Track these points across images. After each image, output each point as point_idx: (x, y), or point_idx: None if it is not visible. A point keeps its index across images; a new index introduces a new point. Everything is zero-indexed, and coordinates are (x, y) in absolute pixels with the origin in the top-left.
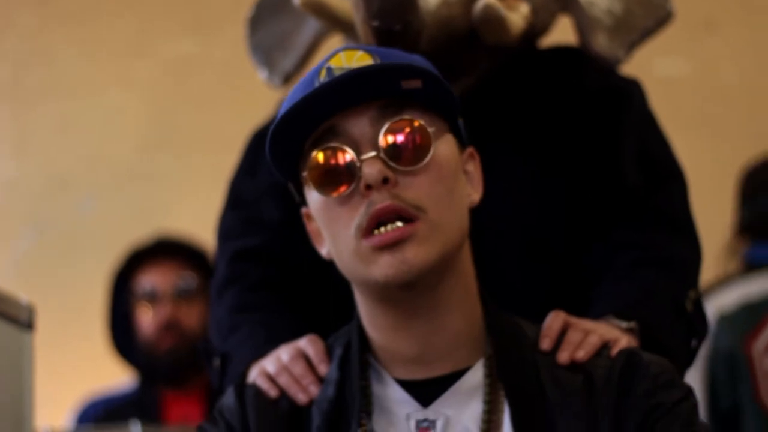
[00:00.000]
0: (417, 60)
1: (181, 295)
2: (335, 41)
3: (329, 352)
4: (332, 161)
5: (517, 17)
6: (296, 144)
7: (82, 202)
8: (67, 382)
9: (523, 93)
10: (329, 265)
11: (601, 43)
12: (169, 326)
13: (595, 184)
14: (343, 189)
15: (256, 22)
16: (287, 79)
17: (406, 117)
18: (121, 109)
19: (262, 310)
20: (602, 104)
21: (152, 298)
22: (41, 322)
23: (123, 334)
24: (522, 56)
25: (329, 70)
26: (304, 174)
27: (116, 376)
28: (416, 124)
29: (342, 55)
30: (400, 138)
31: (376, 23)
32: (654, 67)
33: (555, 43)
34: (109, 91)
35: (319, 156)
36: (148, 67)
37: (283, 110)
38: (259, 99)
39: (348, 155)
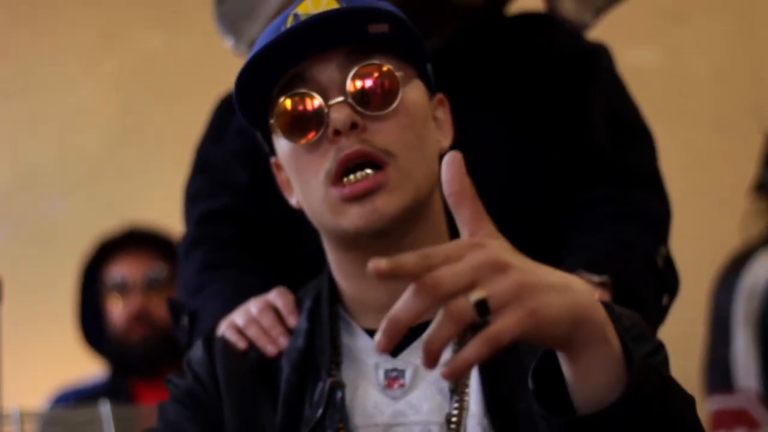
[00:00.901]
0: (383, 4)
1: (152, 285)
2: None
3: (299, 305)
4: (300, 107)
5: None
6: (264, 91)
7: (51, 197)
8: (39, 374)
9: (491, 53)
10: (297, 225)
11: (568, 7)
12: (140, 316)
13: (565, 143)
14: (311, 135)
15: None
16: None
17: (374, 62)
18: (90, 103)
19: (230, 267)
20: (571, 66)
21: (122, 288)
22: (11, 317)
23: (93, 326)
24: (490, 20)
25: (296, 16)
26: (272, 121)
27: (88, 368)
28: (384, 68)
29: (309, 1)
30: (368, 83)
31: None
32: (625, 57)
33: (522, 10)
34: (77, 86)
35: (287, 102)
36: (116, 62)
37: (249, 56)
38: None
39: (316, 101)
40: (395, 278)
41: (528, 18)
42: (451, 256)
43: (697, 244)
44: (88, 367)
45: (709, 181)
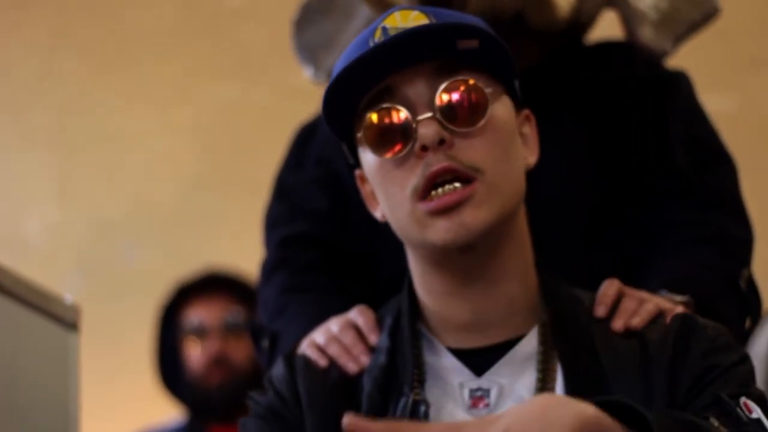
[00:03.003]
0: (473, 20)
1: (230, 330)
2: None
3: (379, 323)
4: (387, 122)
5: (563, 1)
6: (351, 105)
7: (126, 246)
8: (118, 419)
9: (571, 77)
10: (375, 249)
11: (648, 35)
12: (218, 361)
13: (645, 166)
14: (397, 148)
15: (302, 24)
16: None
17: (463, 77)
18: (164, 153)
19: (310, 290)
20: (650, 90)
21: (200, 332)
22: (90, 363)
23: (172, 370)
24: (568, 48)
25: (384, 29)
26: (359, 135)
27: (166, 413)
28: (473, 84)
29: (397, 15)
30: (456, 98)
31: None
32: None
33: (602, 38)
34: (151, 136)
35: (374, 116)
36: (191, 113)
37: (337, 70)
38: None
39: (403, 115)
40: None
41: (608, 45)
42: None
43: None
44: (167, 412)
45: None
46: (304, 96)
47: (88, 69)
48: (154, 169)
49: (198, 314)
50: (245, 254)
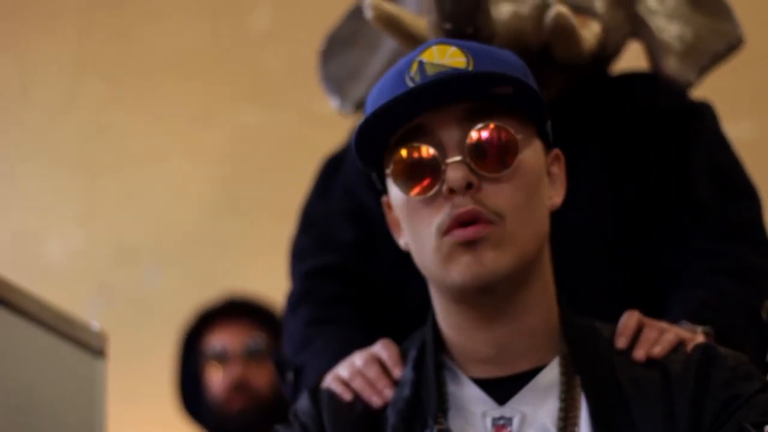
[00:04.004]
0: (509, 60)
1: (252, 356)
2: None
3: (403, 356)
4: (416, 156)
5: (589, 34)
6: (382, 139)
7: (149, 270)
8: None
9: (595, 109)
10: (401, 281)
11: (672, 66)
12: (240, 387)
13: (668, 196)
14: (426, 183)
15: (328, 55)
16: (359, 107)
17: (495, 122)
18: (187, 177)
19: (335, 323)
20: (674, 121)
21: (222, 358)
22: (112, 387)
23: (193, 395)
24: (594, 79)
25: (421, 64)
26: (388, 171)
27: None
28: (504, 130)
29: (435, 49)
30: (486, 143)
31: (448, 26)
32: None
33: (626, 69)
34: (174, 160)
35: (404, 152)
36: (213, 136)
37: (373, 102)
38: None
39: (433, 155)
40: None
41: (632, 77)
42: None
43: None
44: None
45: None
46: (327, 122)
47: (112, 93)
48: (177, 194)
49: (220, 340)
50: (268, 279)
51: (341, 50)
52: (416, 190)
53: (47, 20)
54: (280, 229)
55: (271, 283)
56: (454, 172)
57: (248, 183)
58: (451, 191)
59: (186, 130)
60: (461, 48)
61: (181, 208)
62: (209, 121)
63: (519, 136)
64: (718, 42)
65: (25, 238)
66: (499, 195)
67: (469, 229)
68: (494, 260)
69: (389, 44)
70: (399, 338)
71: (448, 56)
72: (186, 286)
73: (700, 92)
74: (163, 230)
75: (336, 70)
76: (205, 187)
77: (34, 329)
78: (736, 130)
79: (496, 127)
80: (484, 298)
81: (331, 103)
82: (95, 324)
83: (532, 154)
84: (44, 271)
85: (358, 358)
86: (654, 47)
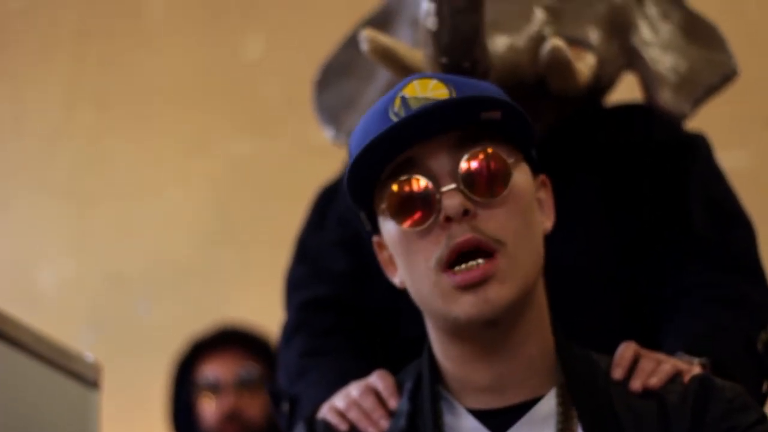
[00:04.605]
0: (491, 89)
1: (244, 385)
2: None
3: (399, 387)
4: (407, 189)
5: (584, 66)
6: (372, 176)
7: (141, 301)
8: None
9: (589, 140)
10: (396, 312)
11: (667, 97)
12: (232, 417)
13: (663, 228)
14: (418, 216)
15: (323, 85)
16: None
17: (486, 148)
18: (180, 207)
19: (330, 353)
20: (669, 153)
21: (215, 388)
22: (104, 418)
23: (186, 426)
24: (588, 110)
25: (404, 99)
26: (382, 206)
27: None
28: (495, 154)
29: (416, 83)
30: (479, 169)
31: (444, 59)
32: None
33: (620, 101)
34: (168, 189)
35: (395, 186)
36: (207, 166)
37: (358, 141)
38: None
39: (426, 186)
40: None
41: (627, 108)
42: None
43: None
44: None
45: None
46: (321, 151)
47: (105, 122)
48: (170, 224)
49: (212, 370)
50: (262, 309)
51: (336, 80)
52: (411, 222)
53: (40, 50)
54: (274, 259)
55: (265, 312)
56: (450, 199)
57: (242, 213)
58: (448, 219)
59: (179, 160)
60: (442, 80)
61: (175, 237)
62: (203, 151)
63: (510, 160)
64: (713, 74)
65: (17, 267)
66: (495, 220)
67: (473, 272)
68: (499, 294)
69: (385, 75)
70: (395, 369)
71: (430, 89)
72: (178, 316)
73: (692, 122)
74: (156, 260)
75: (331, 100)
76: (198, 216)
77: (29, 360)
78: (729, 159)
79: (487, 153)
80: (487, 331)
81: (326, 134)
82: (89, 355)
83: (522, 178)
84: (36, 301)
85: (354, 389)
86: (648, 79)
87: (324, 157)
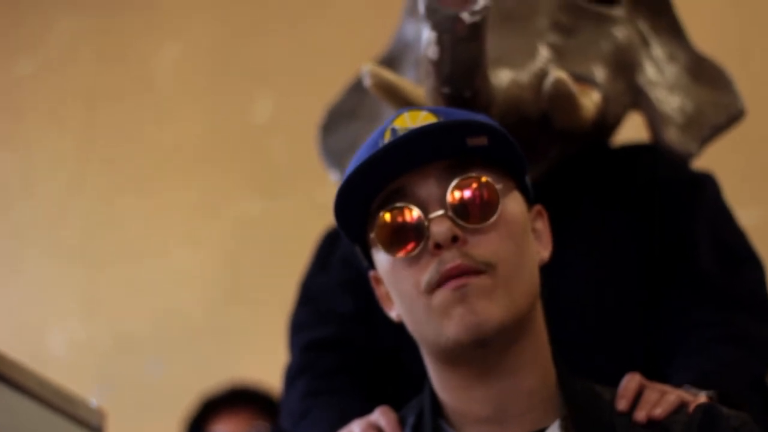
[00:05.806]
0: (482, 117)
1: None
2: None
3: (402, 423)
4: (400, 221)
5: (588, 102)
6: (363, 206)
7: (151, 361)
8: None
9: (595, 177)
10: (399, 350)
11: (673, 137)
12: None
13: (669, 267)
14: (410, 247)
15: (328, 129)
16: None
17: (473, 174)
18: (189, 268)
19: (334, 394)
20: (675, 192)
21: None
22: None
23: None
24: (593, 149)
25: (394, 131)
26: (372, 236)
27: None
28: (483, 181)
29: (406, 115)
30: (467, 195)
31: (446, 89)
32: None
33: (627, 141)
34: (177, 250)
35: (386, 216)
36: (216, 227)
37: (348, 171)
38: None
39: (415, 214)
40: None
41: (631, 148)
42: None
43: None
44: None
45: None
46: (329, 210)
47: (114, 183)
48: (179, 284)
49: (223, 429)
50: (272, 368)
51: (341, 123)
52: (401, 252)
53: (51, 112)
54: (283, 318)
55: (275, 371)
56: (438, 226)
57: (251, 273)
58: (438, 247)
59: (188, 221)
60: (432, 111)
61: (184, 298)
62: (212, 212)
63: (499, 186)
64: (719, 114)
65: (27, 329)
66: (485, 245)
67: (460, 279)
68: (486, 309)
69: (390, 116)
70: (400, 407)
71: (420, 120)
72: (188, 376)
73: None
74: (165, 320)
75: (336, 144)
76: (207, 277)
77: (33, 405)
78: (742, 217)
79: (475, 179)
80: (477, 351)
81: (331, 177)
82: (93, 401)
83: (514, 205)
84: (46, 362)
85: (356, 426)
86: (654, 119)
87: (332, 215)
